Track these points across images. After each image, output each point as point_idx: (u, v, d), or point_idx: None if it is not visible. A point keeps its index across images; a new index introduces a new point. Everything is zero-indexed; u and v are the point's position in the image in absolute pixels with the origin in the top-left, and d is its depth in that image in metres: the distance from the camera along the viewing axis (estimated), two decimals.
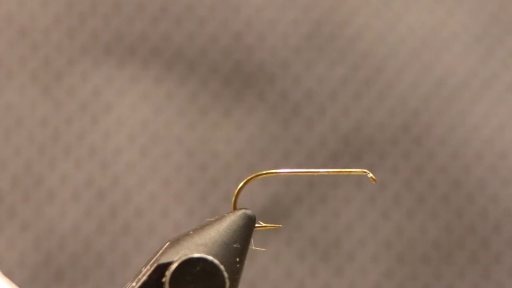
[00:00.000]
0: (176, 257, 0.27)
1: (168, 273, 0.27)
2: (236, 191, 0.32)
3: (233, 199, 0.32)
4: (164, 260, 0.27)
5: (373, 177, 0.33)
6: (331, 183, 0.53)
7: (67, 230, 0.53)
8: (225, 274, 0.27)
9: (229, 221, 0.29)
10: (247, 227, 0.29)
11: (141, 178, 0.54)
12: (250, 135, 0.54)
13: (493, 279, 0.53)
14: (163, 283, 0.27)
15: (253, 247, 0.30)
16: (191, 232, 0.29)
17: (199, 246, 0.28)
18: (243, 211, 0.30)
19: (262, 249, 0.48)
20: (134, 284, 0.28)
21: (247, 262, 0.29)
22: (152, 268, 0.27)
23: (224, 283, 0.27)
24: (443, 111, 0.54)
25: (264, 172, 0.33)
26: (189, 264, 0.27)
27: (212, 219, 0.30)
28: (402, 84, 0.54)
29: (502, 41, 0.55)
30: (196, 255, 0.27)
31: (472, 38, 0.55)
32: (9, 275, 0.35)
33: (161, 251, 0.28)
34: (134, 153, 0.54)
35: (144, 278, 0.27)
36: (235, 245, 0.29)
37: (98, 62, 0.55)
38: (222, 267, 0.27)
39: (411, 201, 0.53)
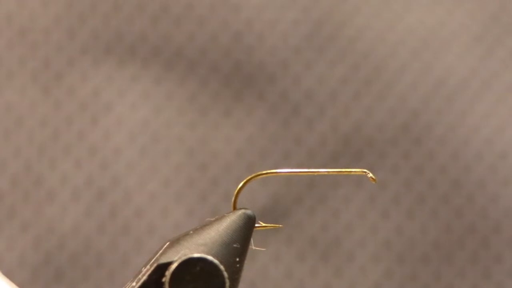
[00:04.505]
0: (176, 257, 0.27)
1: (168, 273, 0.27)
2: (236, 191, 0.32)
3: (233, 199, 0.32)
4: (164, 260, 0.28)
5: (373, 177, 0.33)
6: (331, 183, 0.53)
7: (67, 230, 0.53)
8: (225, 274, 0.27)
9: (229, 221, 0.29)
10: (247, 227, 0.29)
11: (141, 178, 0.54)
12: (250, 135, 0.54)
13: (493, 279, 0.53)
14: (163, 283, 0.27)
15: (253, 247, 0.30)
16: (191, 232, 0.29)
17: (199, 246, 0.28)
18: (243, 211, 0.30)
19: (262, 249, 0.48)
20: (134, 284, 0.28)
21: (247, 262, 0.29)
22: (152, 268, 0.27)
23: (224, 283, 0.27)
24: (443, 111, 0.54)
25: (264, 172, 0.33)
26: (189, 264, 0.27)
27: (212, 219, 0.30)
28: (402, 84, 0.54)
29: (502, 41, 0.55)
30: (196, 255, 0.27)
31: (472, 38, 0.55)
32: (9, 275, 0.35)
33: (161, 251, 0.28)
34: (134, 153, 0.54)
35: (144, 278, 0.27)
36: (235, 245, 0.29)
37: (98, 62, 0.55)
38: (222, 267, 0.27)
39: (411, 201, 0.53)
